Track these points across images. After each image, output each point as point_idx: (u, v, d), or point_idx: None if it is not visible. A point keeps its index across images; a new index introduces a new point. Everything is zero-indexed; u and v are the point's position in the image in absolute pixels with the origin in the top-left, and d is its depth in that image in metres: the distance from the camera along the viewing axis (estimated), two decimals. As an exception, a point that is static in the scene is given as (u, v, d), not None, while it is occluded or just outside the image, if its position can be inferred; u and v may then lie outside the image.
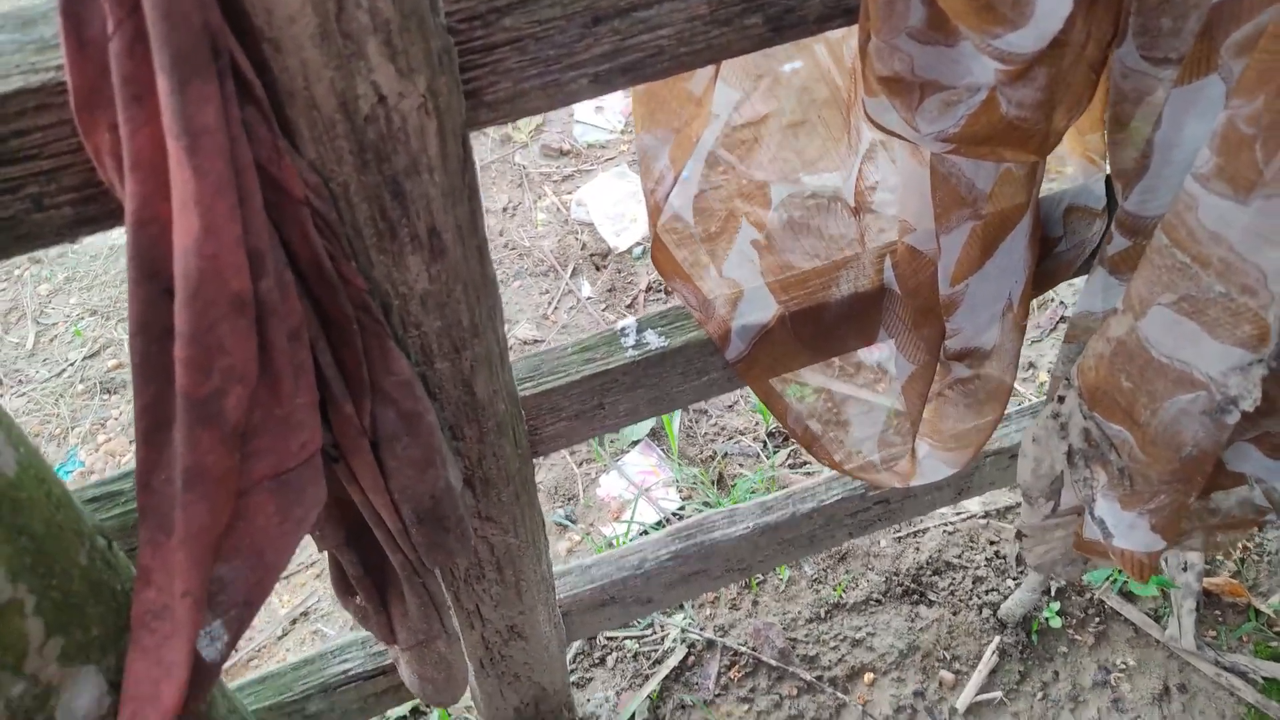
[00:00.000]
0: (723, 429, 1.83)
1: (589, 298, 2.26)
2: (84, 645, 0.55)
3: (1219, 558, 1.52)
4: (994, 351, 0.90)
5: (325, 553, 0.85)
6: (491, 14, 0.56)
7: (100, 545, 0.55)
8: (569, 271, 2.33)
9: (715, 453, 1.77)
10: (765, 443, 1.79)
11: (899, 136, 0.70)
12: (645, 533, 1.65)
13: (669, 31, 0.61)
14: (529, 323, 2.21)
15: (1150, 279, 0.61)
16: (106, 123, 0.48)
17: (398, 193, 0.57)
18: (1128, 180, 0.67)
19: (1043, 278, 0.92)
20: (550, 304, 2.26)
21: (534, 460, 0.89)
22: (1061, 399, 0.75)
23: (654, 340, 0.86)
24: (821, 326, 0.89)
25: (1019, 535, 0.99)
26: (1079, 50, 0.61)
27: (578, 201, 2.51)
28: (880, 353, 0.99)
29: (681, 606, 1.55)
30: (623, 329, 0.86)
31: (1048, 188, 0.92)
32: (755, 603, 1.54)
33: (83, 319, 2.23)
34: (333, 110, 0.52)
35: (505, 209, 2.53)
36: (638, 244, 2.35)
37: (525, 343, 2.16)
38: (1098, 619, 1.50)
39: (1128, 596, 1.51)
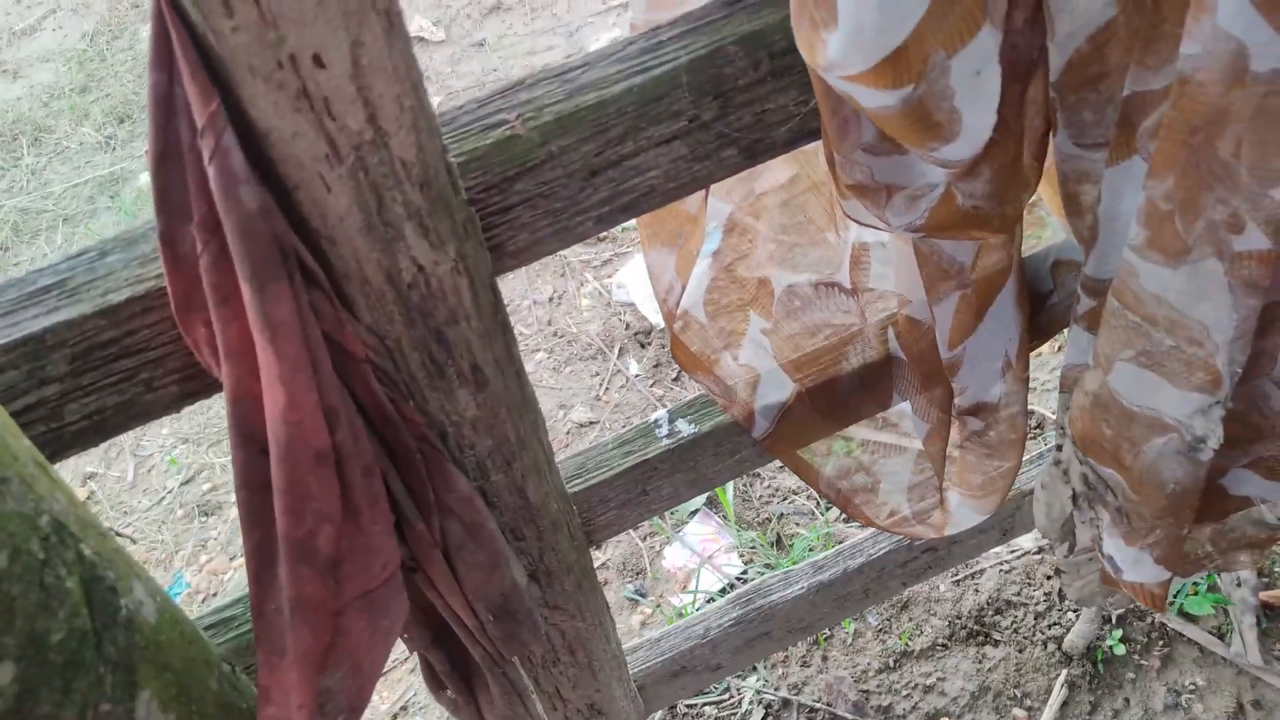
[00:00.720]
0: (776, 490, 1.89)
1: (637, 375, 2.35)
2: (216, 757, 0.63)
3: (1278, 569, 1.53)
4: (1001, 404, 0.96)
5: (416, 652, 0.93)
6: (504, 182, 0.66)
7: (225, 671, 0.64)
8: (616, 352, 2.42)
9: (771, 515, 1.83)
10: (818, 500, 1.84)
11: (876, 228, 0.78)
12: (711, 600, 1.71)
13: (657, 173, 0.70)
14: (583, 406, 2.31)
15: (1110, 338, 0.68)
16: (201, 320, 0.58)
17: (442, 340, 0.66)
18: (1086, 247, 0.74)
19: (1039, 330, 0.98)
20: (601, 385, 2.35)
21: (591, 546, 0.97)
22: (1060, 446, 0.81)
23: (685, 428, 0.94)
24: (837, 398, 0.96)
25: (1057, 572, 1.03)
26: (1017, 146, 0.69)
27: (618, 284, 2.61)
28: (898, 413, 1.05)
29: (754, 668, 1.59)
30: (656, 420, 0.94)
31: (1032, 246, 0.99)
32: (825, 658, 1.58)
33: (175, 448, 2.38)
34: (381, 283, 0.61)
35: (551, 299, 2.65)
36: (701, 299, 2.44)
37: (581, 425, 2.25)
38: (1161, 642, 1.51)
39: (1188, 617, 1.52)
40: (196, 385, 0.65)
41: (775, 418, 0.94)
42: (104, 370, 0.61)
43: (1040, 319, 0.98)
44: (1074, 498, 0.80)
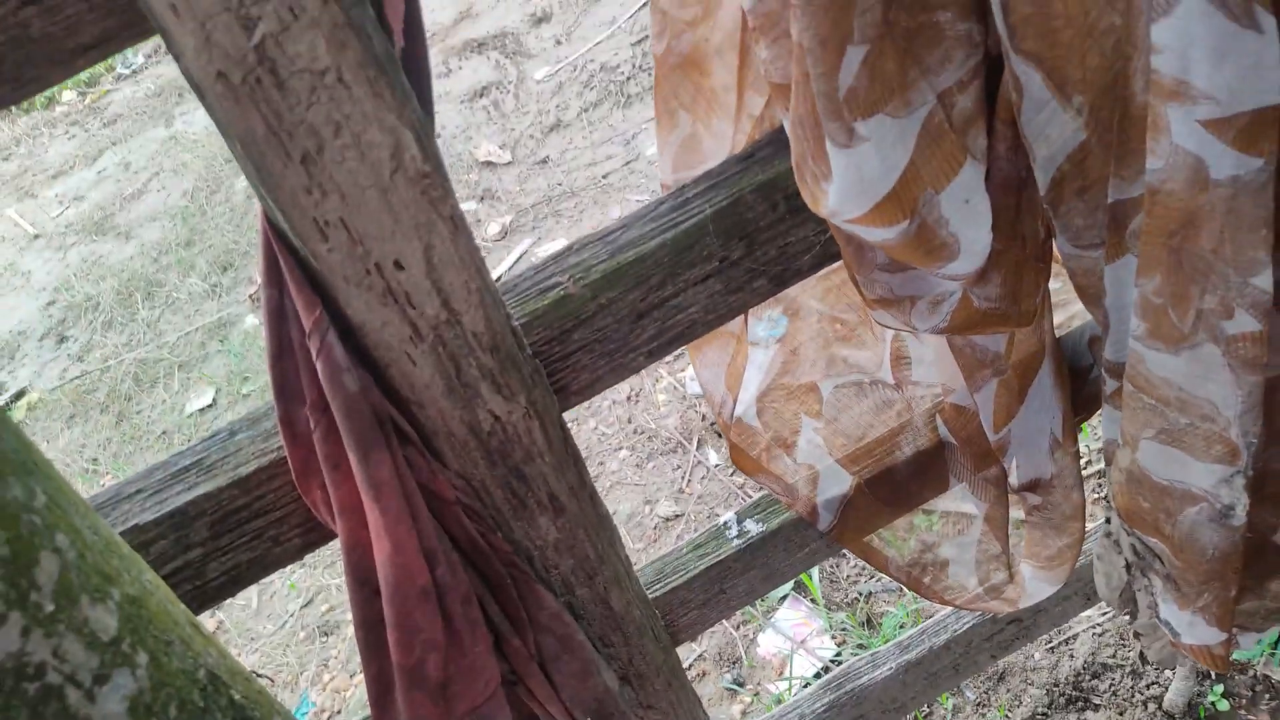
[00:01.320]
0: (863, 570, 1.91)
1: (717, 465, 2.41)
2: None
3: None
4: (1055, 479, 1.00)
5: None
6: (563, 334, 0.74)
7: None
8: (695, 444, 2.49)
9: (859, 594, 1.85)
10: (906, 575, 1.85)
11: (905, 332, 0.85)
12: (806, 685, 1.73)
13: (696, 308, 0.78)
14: (667, 499, 2.37)
15: (1132, 419, 0.72)
16: (317, 484, 0.67)
17: (520, 477, 0.75)
18: (1103, 333, 0.79)
19: (1084, 404, 1.02)
20: (684, 477, 2.41)
21: (677, 646, 1.02)
22: (1109, 519, 0.84)
23: (753, 528, 1.00)
24: (896, 486, 1.01)
25: (1135, 635, 1.05)
26: (1021, 252, 0.75)
27: (691, 377, 2.69)
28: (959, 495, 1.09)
29: (857, 750, 1.60)
30: (725, 523, 1.01)
31: (1068, 324, 1.03)
32: (925, 735, 1.58)
33: (294, 573, 2.51)
34: (465, 435, 0.70)
35: (629, 397, 2.74)
36: (753, 406, 2.50)
37: (666, 519, 2.31)
38: (1267, 695, 1.47)
39: (1295, 667, 1.48)
40: (316, 536, 0.74)
41: (838, 510, 1.00)
42: (238, 532, 0.71)
43: (1083, 394, 1.02)
44: (1128, 567, 0.83)
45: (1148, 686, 1.51)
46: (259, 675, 2.12)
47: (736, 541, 0.99)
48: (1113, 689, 1.53)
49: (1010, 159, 0.70)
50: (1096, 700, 1.53)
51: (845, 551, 1.93)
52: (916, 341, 1.00)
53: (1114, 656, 1.56)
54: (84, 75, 4.96)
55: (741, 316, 0.91)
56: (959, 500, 1.11)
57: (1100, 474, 1.91)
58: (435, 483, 0.70)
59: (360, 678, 2.19)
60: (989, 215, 0.68)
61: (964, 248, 0.68)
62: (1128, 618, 0.92)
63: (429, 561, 0.67)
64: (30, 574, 0.46)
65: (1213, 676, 1.49)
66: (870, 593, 1.84)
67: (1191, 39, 0.56)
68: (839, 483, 0.99)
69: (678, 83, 0.77)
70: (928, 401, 1.01)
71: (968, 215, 0.67)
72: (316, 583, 2.45)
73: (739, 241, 0.76)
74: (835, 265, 0.96)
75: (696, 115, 0.78)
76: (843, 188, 0.63)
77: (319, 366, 0.60)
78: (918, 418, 1.00)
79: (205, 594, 0.73)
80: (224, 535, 0.71)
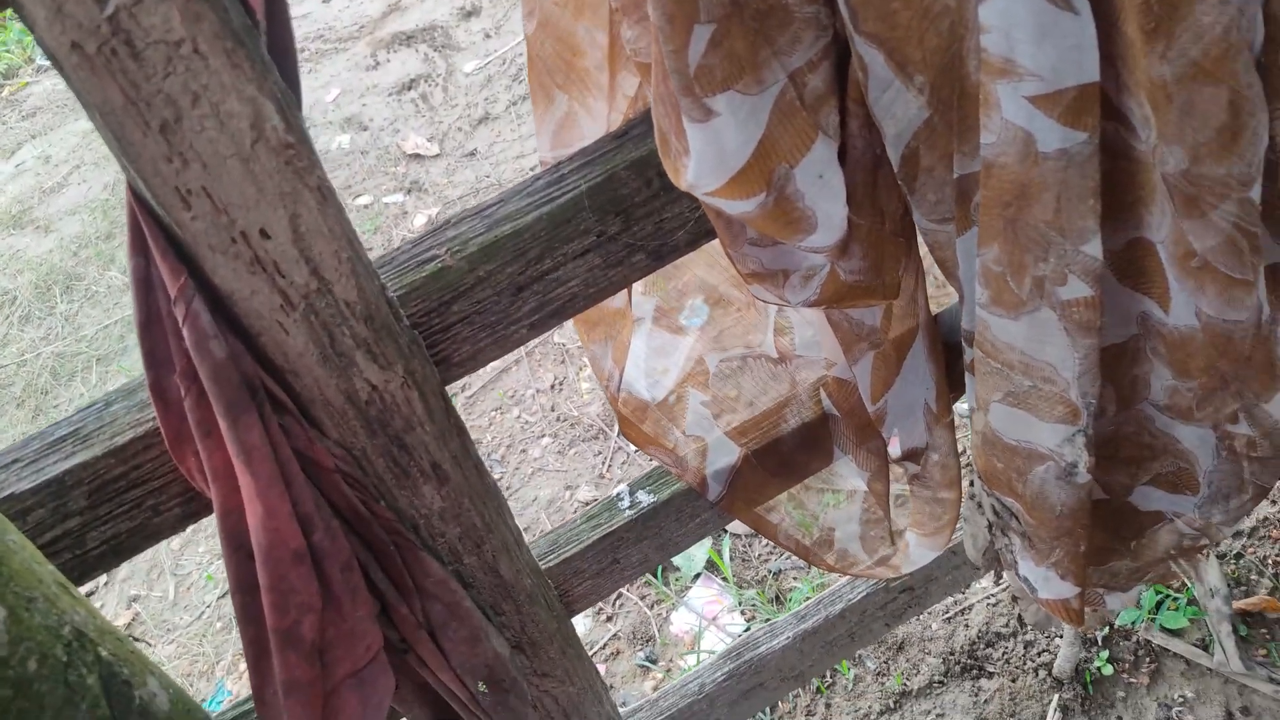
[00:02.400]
0: (774, 549, 1.95)
1: (637, 451, 2.43)
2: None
3: (1255, 576, 1.57)
4: (931, 448, 1.04)
5: (417, 729, 1.00)
6: (441, 306, 0.76)
7: (233, 751, 0.72)
8: (615, 431, 2.51)
9: (769, 572, 1.89)
10: (817, 553, 1.90)
11: (780, 305, 0.87)
12: (720, 659, 1.76)
13: (577, 281, 0.80)
14: (588, 485, 2.39)
15: (983, 383, 0.76)
16: (191, 451, 0.67)
17: (401, 445, 0.76)
18: (959, 305, 0.83)
19: (957, 380, 1.07)
20: (604, 463, 2.43)
21: (572, 615, 1.04)
22: (972, 482, 0.88)
23: (645, 498, 1.02)
24: (782, 457, 1.04)
25: (1014, 600, 1.10)
26: (880, 225, 0.78)
27: (599, 383, 2.71)
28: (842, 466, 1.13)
29: (765, 721, 1.64)
30: (618, 494, 1.03)
31: (945, 303, 1.08)
32: (829, 705, 1.63)
33: (212, 564, 2.47)
34: (343, 403, 0.71)
35: (553, 385, 2.75)
36: (671, 393, 2.53)
37: (586, 503, 2.33)
38: (1148, 659, 1.54)
39: (1170, 632, 1.56)
40: (196, 506, 0.74)
41: (726, 481, 1.02)
42: (116, 501, 0.71)
43: (956, 369, 1.06)
44: (989, 527, 0.87)
45: (1039, 654, 1.58)
46: (134, 639, 2.08)
47: (629, 512, 1.02)
48: (1005, 657, 1.59)
49: (865, 137, 0.73)
50: (990, 668, 1.59)
51: (756, 531, 1.98)
52: (798, 316, 1.03)
53: (1007, 626, 1.62)
54: (0, 67, 4.80)
55: (625, 293, 0.93)
56: (849, 476, 1.15)
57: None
58: (313, 450, 0.71)
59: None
60: (843, 190, 0.71)
61: (820, 221, 0.71)
62: (993, 580, 0.96)
63: (305, 526, 0.68)
64: (-126, 529, 0.46)
65: (1099, 643, 1.55)
66: (779, 570, 1.89)
67: (1015, 19, 0.60)
68: (727, 454, 1.02)
69: (551, 63, 0.78)
70: (811, 375, 1.05)
71: (822, 189, 0.70)
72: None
73: (615, 217, 0.78)
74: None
75: (572, 95, 0.80)
76: (700, 161, 0.65)
77: (185, 333, 0.60)
78: (802, 391, 1.04)
79: (86, 563, 0.73)
80: (102, 505, 0.71)
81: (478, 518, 0.84)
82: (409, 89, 3.85)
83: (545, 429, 2.52)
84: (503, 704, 0.95)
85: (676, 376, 1.09)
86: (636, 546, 1.04)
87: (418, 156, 3.58)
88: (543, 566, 0.99)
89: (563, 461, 2.42)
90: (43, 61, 4.86)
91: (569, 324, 2.94)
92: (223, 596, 2.38)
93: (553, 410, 2.61)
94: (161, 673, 0.67)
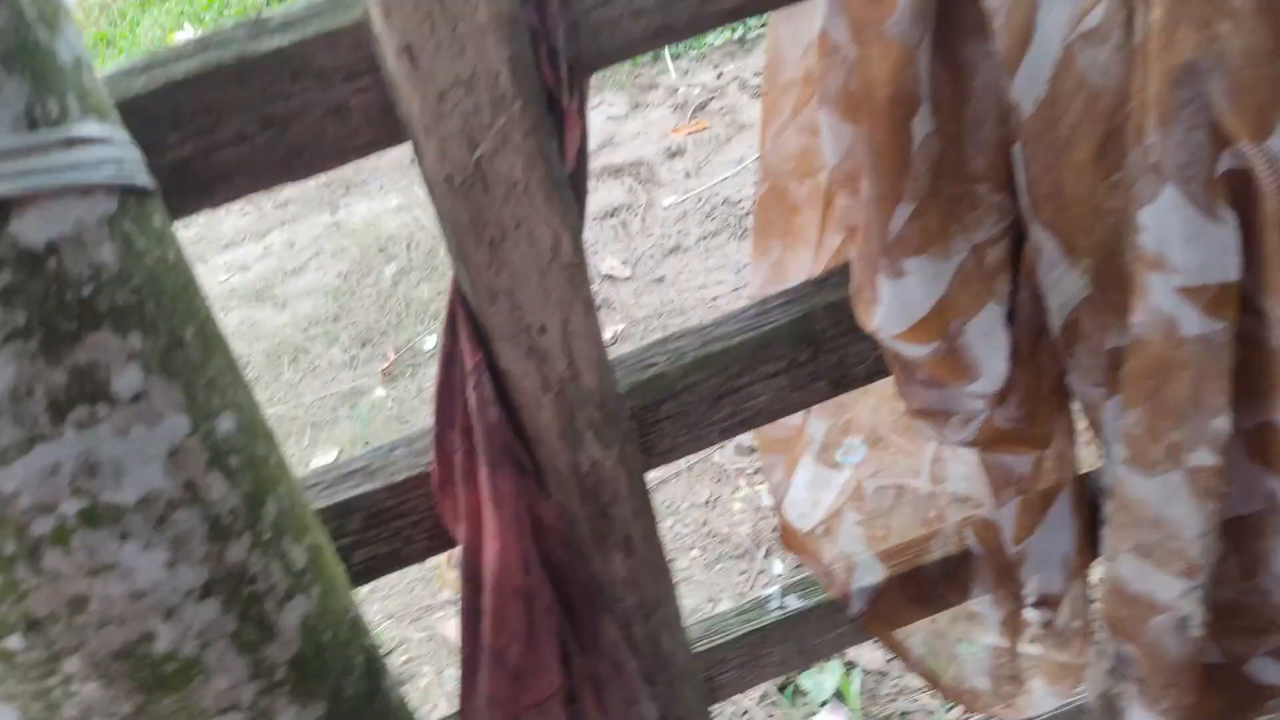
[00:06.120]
0: (902, 689, 1.94)
1: (779, 575, 2.48)
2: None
3: None
4: (1065, 598, 1.08)
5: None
6: (655, 404, 0.88)
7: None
8: (762, 553, 2.56)
9: (895, 712, 1.88)
10: (942, 701, 1.88)
11: (941, 442, 0.96)
12: (838, 785, 1.75)
13: (765, 398, 0.92)
14: (729, 600, 2.43)
15: (1116, 534, 0.82)
16: (450, 494, 0.82)
17: (605, 515, 0.88)
18: (1105, 462, 0.90)
19: (1099, 539, 1.11)
20: (747, 581, 2.48)
21: (714, 704, 1.12)
22: (1098, 630, 0.92)
23: (794, 602, 1.10)
24: (923, 585, 1.11)
25: (1139, 758, 1.10)
26: (1036, 382, 0.87)
27: (767, 490, 2.78)
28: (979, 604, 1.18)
29: None
30: (769, 595, 1.11)
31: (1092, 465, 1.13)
32: None
33: (382, 624, 2.64)
34: (567, 472, 0.84)
35: (706, 502, 2.84)
36: (820, 524, 2.57)
37: (725, 620, 2.37)
38: None
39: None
40: (437, 543, 0.89)
41: (869, 599, 1.09)
42: (382, 528, 0.86)
43: (1097, 529, 1.11)
44: (1110, 673, 0.90)
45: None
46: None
47: (777, 612, 1.10)
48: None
49: (1032, 305, 0.83)
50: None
51: (886, 671, 1.98)
52: (953, 456, 1.11)
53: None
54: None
55: (803, 413, 1.04)
56: (986, 629, 1.19)
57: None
58: (539, 507, 0.84)
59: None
60: (1007, 347, 0.81)
61: (984, 371, 0.81)
62: (1118, 725, 0.98)
63: (525, 569, 0.81)
64: (260, 509, 0.61)
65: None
66: (905, 711, 1.87)
67: (1169, 224, 0.69)
68: (872, 574, 1.09)
69: (774, 218, 0.93)
70: (959, 513, 1.11)
71: (989, 344, 0.80)
72: (401, 634, 2.57)
73: (807, 347, 0.89)
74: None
75: (785, 244, 0.94)
76: (888, 310, 0.77)
77: (471, 398, 0.76)
78: (949, 526, 1.11)
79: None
80: (371, 529, 0.86)
81: (652, 591, 0.95)
82: (611, 216, 4.15)
83: (695, 541, 2.60)
84: (646, 766, 1.03)
85: (826, 510, 1.17)
86: (779, 646, 1.11)
87: (611, 277, 3.84)
88: (693, 650, 1.08)
89: (708, 575, 2.48)
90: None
91: (729, 447, 3.04)
92: (387, 655, 2.52)
93: (704, 525, 2.69)
94: (393, 674, 0.80)
